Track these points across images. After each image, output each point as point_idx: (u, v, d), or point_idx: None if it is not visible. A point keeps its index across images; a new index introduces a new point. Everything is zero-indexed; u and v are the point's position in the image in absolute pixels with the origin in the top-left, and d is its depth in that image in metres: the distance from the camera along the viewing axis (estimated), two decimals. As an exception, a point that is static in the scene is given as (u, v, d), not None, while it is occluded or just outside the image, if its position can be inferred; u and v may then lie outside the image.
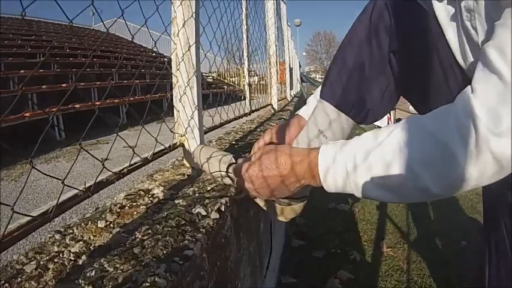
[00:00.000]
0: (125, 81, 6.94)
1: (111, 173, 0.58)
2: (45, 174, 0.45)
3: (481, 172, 0.39)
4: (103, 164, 0.55)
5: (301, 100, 6.18)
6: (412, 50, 0.60)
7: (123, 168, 0.61)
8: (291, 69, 5.72)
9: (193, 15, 0.82)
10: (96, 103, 5.28)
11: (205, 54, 0.99)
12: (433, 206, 2.34)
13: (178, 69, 0.84)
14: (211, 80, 9.75)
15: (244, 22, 1.83)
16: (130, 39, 11.60)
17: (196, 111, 0.82)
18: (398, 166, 0.43)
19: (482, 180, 0.40)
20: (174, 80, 0.85)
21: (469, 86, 0.42)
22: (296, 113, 0.80)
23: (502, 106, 0.37)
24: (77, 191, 0.52)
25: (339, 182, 0.50)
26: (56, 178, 0.48)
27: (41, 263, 0.49)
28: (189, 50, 0.84)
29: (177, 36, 0.85)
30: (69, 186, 0.48)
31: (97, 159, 0.58)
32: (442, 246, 1.82)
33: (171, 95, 0.88)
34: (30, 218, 0.46)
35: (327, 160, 0.51)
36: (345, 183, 0.49)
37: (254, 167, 0.57)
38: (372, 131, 0.50)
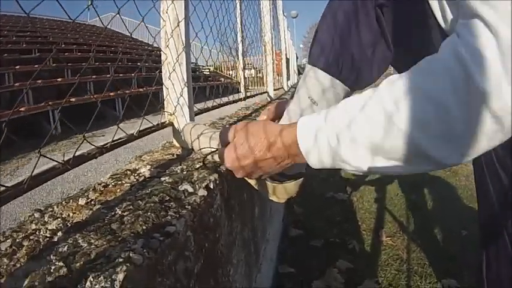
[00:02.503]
0: (121, 75, 6.88)
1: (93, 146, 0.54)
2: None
3: (481, 133, 0.33)
4: (84, 137, 0.51)
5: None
6: (401, 6, 0.54)
7: (107, 143, 0.57)
8: (287, 60, 5.67)
9: (182, -11, 0.79)
10: (92, 97, 5.23)
11: (196, 34, 0.95)
12: (431, 195, 2.31)
13: (167, 46, 0.81)
14: (208, 73, 9.68)
15: (238, 6, 1.78)
16: (127, 34, 11.52)
17: (186, 88, 0.78)
18: (389, 131, 0.36)
19: (484, 142, 0.33)
20: (163, 57, 0.82)
21: (454, 35, 0.34)
22: None
23: (499, 65, 0.30)
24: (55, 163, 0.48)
25: (325, 160, 0.42)
26: (35, 150, 0.45)
27: (17, 240, 0.47)
28: (178, 26, 0.80)
29: (166, 13, 0.82)
30: (46, 157, 0.44)
31: (79, 133, 0.54)
32: (441, 236, 1.79)
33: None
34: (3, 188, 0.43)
35: (307, 137, 0.43)
36: (333, 160, 0.42)
37: (229, 151, 0.51)
38: (353, 97, 0.42)
